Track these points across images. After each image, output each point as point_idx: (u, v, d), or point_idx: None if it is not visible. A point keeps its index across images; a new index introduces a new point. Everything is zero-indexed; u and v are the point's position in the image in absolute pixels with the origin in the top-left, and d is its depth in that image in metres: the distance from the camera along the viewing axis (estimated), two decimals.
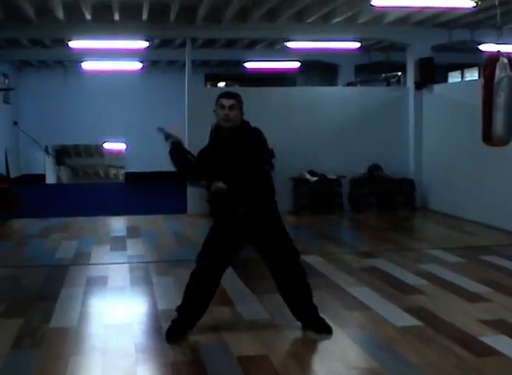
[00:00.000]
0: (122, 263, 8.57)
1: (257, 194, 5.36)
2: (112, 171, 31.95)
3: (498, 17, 7.28)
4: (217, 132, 5.43)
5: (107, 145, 24.61)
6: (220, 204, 5.40)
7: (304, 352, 5.03)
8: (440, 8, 10.67)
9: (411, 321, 5.87)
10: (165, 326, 5.75)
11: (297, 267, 5.52)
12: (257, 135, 5.40)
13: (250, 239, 5.46)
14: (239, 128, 5.37)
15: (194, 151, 5.48)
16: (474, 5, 9.37)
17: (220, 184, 5.22)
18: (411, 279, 7.45)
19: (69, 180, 28.33)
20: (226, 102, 5.30)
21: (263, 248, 5.48)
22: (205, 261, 5.42)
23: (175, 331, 5.42)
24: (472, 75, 19.47)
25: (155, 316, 6.19)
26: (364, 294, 6.82)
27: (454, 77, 20.73)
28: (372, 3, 9.65)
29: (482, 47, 14.01)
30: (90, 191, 19.94)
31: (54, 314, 6.20)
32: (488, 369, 4.74)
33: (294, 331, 5.56)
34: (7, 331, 5.67)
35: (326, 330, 5.44)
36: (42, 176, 21.17)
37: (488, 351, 5.08)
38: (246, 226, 5.38)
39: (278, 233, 5.47)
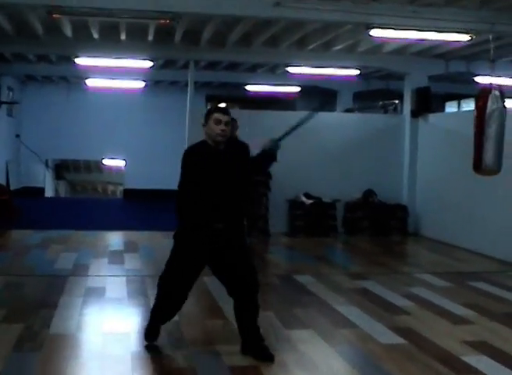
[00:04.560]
0: (120, 276, 8.81)
1: (237, 212, 5.39)
2: (110, 187, 32.20)
3: (491, 51, 7.59)
4: (205, 149, 5.38)
5: (106, 162, 24.90)
6: (199, 218, 5.27)
7: (292, 365, 5.24)
8: (437, 41, 10.96)
9: (397, 339, 6.08)
10: (160, 336, 5.99)
11: (255, 301, 5.39)
12: (247, 150, 5.52)
13: (215, 261, 5.40)
14: (229, 143, 5.43)
15: None
16: (469, 38, 9.67)
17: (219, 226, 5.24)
18: (399, 301, 7.67)
19: (67, 195, 28.59)
20: (223, 118, 5.33)
21: (226, 272, 5.41)
22: (169, 284, 5.60)
23: (150, 330, 5.69)
24: (469, 105, 19.75)
25: None
26: (352, 313, 7.03)
27: (452, 107, 21.06)
28: (371, 34, 9.92)
29: (478, 79, 14.34)
30: (89, 205, 20.14)
31: (53, 321, 6.41)
32: None
33: (283, 345, 5.78)
34: (8, 335, 5.87)
35: (268, 359, 5.31)
36: (41, 190, 21.44)
37: (469, 370, 5.29)
38: (217, 246, 5.29)
39: (246, 261, 5.41)
